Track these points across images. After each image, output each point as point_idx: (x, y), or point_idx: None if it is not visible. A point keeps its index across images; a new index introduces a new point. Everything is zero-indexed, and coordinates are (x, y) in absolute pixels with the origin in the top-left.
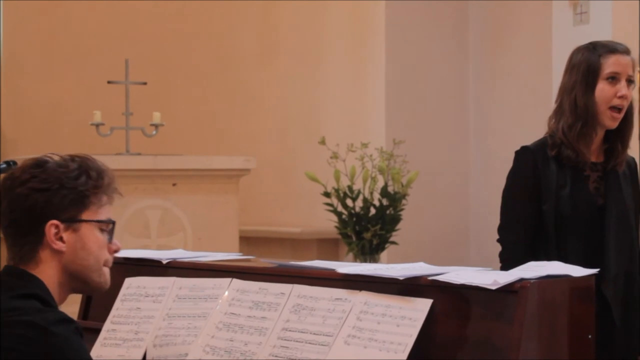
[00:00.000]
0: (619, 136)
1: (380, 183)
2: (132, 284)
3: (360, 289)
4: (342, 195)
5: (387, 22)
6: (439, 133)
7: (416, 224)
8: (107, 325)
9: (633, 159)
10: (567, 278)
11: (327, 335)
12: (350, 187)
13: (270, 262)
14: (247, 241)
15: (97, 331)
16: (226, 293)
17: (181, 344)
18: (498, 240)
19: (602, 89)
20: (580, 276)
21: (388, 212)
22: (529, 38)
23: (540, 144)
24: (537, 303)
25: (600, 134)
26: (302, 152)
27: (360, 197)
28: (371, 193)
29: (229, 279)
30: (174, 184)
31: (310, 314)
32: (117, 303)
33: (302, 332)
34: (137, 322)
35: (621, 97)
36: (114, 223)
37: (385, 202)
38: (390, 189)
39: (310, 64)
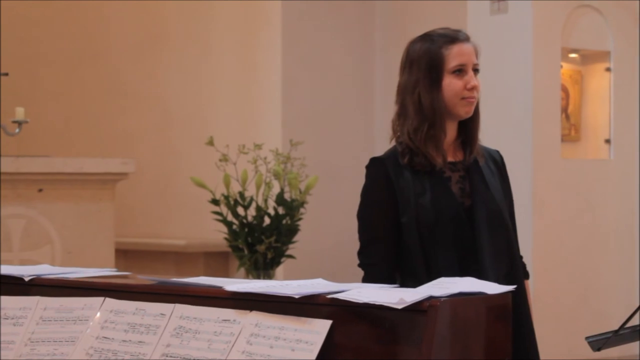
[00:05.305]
0: (467, 128)
1: (276, 189)
2: None
3: (250, 308)
4: (232, 202)
5: (284, 10)
6: (341, 134)
7: (316, 236)
8: None
9: (497, 151)
10: (482, 296)
11: None
12: (241, 194)
13: (149, 278)
14: (124, 255)
15: None
16: (98, 314)
17: None
18: (359, 265)
19: (450, 84)
20: (496, 294)
21: (284, 222)
22: None
23: (391, 153)
24: (448, 323)
25: (452, 131)
26: (187, 154)
27: (253, 205)
28: (265, 200)
29: (101, 299)
30: (39, 190)
31: (194, 337)
32: None
33: (185, 358)
34: None
35: (471, 88)
36: None
37: (281, 210)
38: (286, 196)
39: (197, 55)
